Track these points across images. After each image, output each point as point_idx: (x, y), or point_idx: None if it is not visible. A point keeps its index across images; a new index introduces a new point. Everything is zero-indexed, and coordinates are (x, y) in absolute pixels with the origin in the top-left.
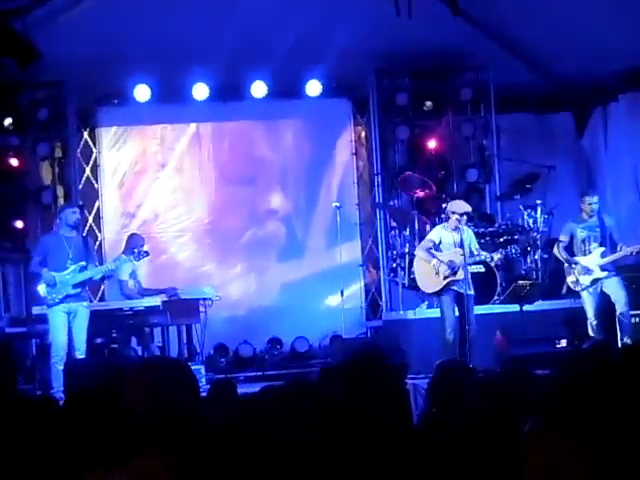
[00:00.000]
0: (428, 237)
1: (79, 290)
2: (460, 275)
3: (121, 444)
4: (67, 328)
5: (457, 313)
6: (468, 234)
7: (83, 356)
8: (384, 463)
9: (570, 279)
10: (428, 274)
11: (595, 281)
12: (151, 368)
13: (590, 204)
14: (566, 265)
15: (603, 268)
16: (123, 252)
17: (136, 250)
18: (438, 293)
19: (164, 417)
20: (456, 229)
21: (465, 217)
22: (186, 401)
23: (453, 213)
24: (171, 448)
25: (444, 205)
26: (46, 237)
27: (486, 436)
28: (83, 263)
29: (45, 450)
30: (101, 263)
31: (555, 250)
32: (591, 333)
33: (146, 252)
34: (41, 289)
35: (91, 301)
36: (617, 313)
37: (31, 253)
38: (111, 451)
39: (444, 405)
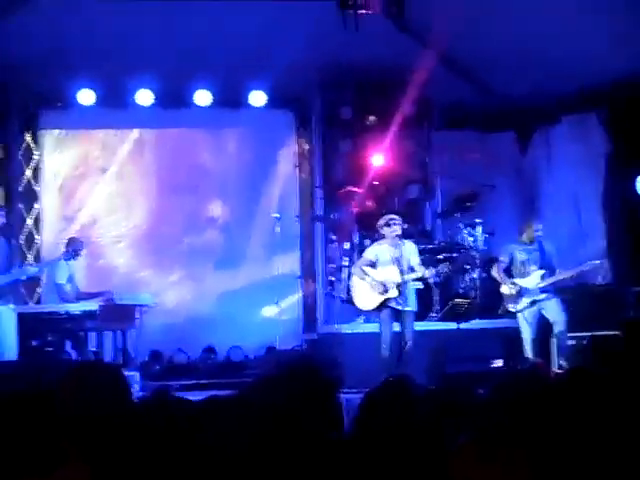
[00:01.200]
0: (364, 255)
1: (4, 292)
2: (393, 293)
3: (49, 449)
4: None
5: (396, 329)
6: (409, 249)
7: (15, 358)
8: (315, 475)
9: (505, 290)
10: (364, 292)
11: (533, 303)
12: (83, 372)
13: (536, 231)
14: (503, 285)
15: (542, 290)
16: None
17: (63, 249)
18: (377, 309)
19: (94, 421)
20: (394, 245)
21: (395, 225)
22: (117, 406)
23: (381, 227)
24: (99, 453)
25: None
26: None
27: (418, 450)
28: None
29: None
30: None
31: (493, 271)
32: (527, 353)
33: (74, 251)
34: None
35: (26, 303)
36: (554, 333)
37: None
38: (38, 457)
39: (379, 419)
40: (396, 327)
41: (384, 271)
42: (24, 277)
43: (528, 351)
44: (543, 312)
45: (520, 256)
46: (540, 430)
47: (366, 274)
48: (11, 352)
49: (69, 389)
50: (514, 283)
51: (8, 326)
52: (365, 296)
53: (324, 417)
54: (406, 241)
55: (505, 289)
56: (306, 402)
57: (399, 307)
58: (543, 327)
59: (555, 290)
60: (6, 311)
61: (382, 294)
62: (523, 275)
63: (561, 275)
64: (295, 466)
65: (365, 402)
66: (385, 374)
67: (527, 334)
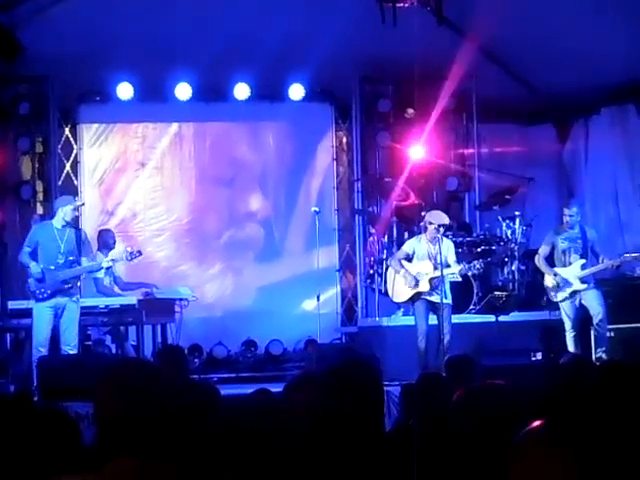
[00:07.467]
0: (402, 248)
1: (69, 285)
2: (424, 286)
3: (96, 447)
4: (52, 325)
5: (434, 321)
6: (447, 245)
7: (74, 351)
8: (358, 472)
9: (549, 283)
10: (398, 284)
11: (574, 293)
12: (128, 370)
13: (569, 215)
14: (546, 276)
15: (583, 280)
16: (98, 249)
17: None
18: (412, 301)
19: (141, 420)
20: (434, 240)
21: (442, 229)
22: (163, 404)
23: (430, 224)
24: (147, 451)
25: (423, 213)
26: (38, 227)
27: (469, 448)
28: (71, 258)
29: (11, 448)
30: None
31: (536, 260)
32: (569, 346)
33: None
34: (31, 282)
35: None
36: (593, 324)
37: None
38: (83, 454)
39: (421, 416)
40: (434, 320)
41: (419, 265)
42: (97, 270)
43: (569, 343)
44: (583, 302)
45: (561, 245)
46: (585, 423)
47: (401, 267)
48: (72, 345)
49: (113, 388)
50: (556, 273)
51: (71, 319)
52: (398, 288)
53: (367, 410)
54: (444, 238)
55: (548, 279)
56: (350, 397)
57: (433, 299)
58: (585, 318)
59: (596, 281)
60: (70, 304)
61: (413, 287)
62: (564, 264)
63: (602, 265)
64: (339, 461)
65: (402, 399)
66: (422, 366)
67: (568, 325)
